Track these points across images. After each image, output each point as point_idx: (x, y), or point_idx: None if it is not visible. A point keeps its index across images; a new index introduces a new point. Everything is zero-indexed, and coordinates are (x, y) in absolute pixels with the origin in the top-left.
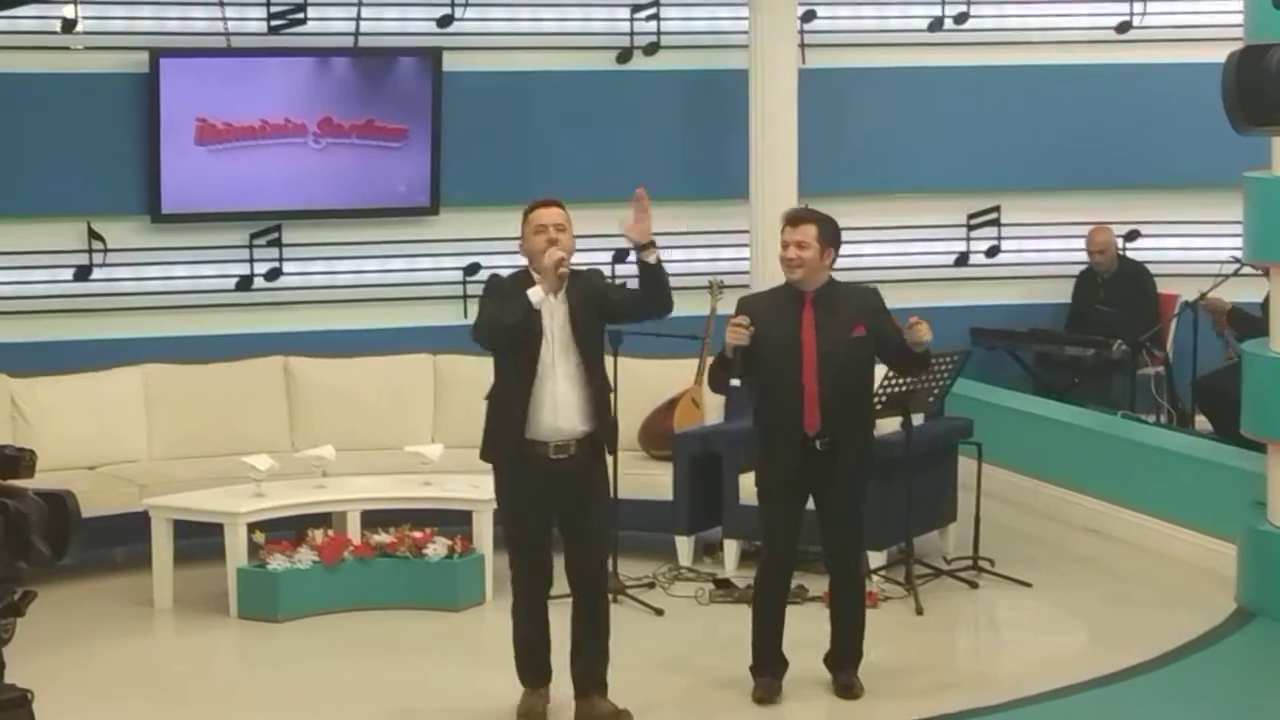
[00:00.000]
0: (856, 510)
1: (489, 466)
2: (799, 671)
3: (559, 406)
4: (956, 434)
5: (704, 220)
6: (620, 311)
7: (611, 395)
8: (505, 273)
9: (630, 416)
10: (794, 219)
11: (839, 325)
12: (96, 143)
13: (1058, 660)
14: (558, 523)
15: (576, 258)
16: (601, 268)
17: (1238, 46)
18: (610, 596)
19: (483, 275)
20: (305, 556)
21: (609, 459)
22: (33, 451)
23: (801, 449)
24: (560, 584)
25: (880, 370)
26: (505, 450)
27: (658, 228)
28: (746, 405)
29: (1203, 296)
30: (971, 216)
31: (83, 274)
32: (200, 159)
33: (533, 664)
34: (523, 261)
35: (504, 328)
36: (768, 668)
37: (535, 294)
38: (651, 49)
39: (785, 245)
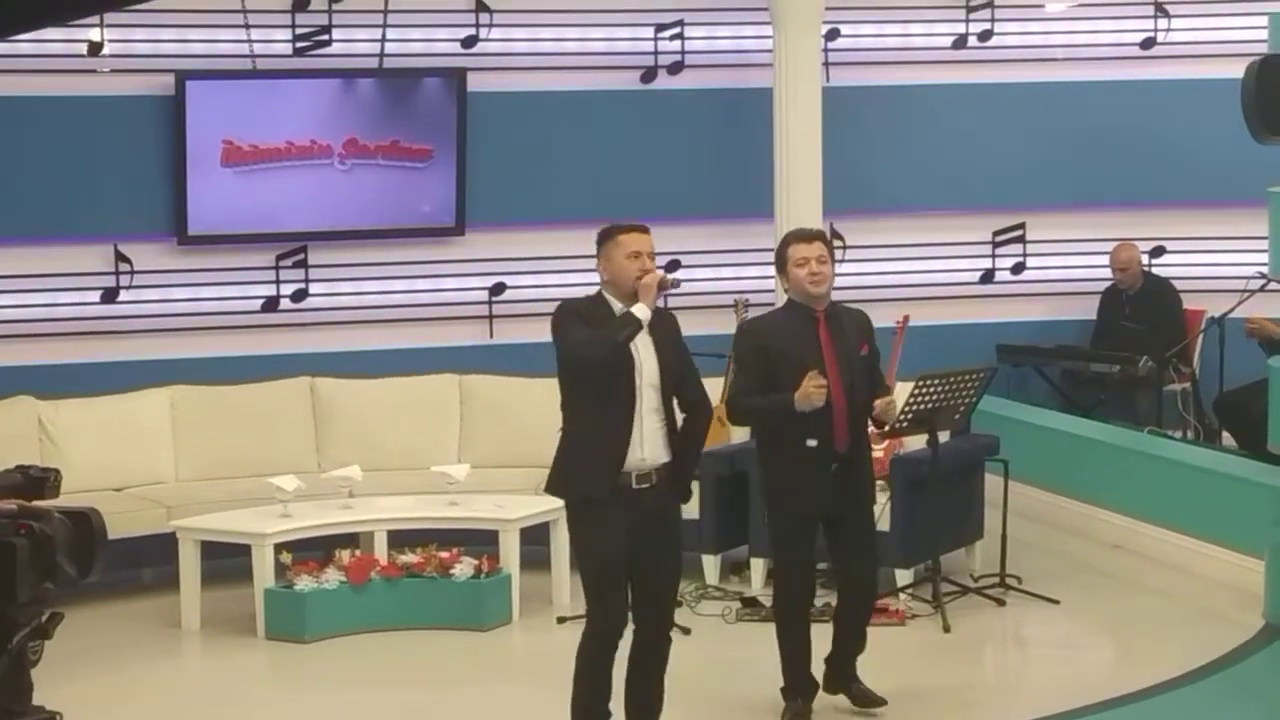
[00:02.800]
0: (873, 529)
1: (515, 485)
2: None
3: (645, 439)
4: (983, 451)
5: (728, 238)
6: (680, 390)
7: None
8: (574, 294)
9: None
10: (808, 237)
11: (850, 343)
12: (123, 165)
13: (1085, 677)
14: (635, 557)
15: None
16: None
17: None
18: None
19: (509, 295)
20: (332, 577)
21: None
22: (58, 471)
23: (833, 470)
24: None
25: (905, 387)
26: (598, 485)
27: (683, 246)
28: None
29: (1250, 321)
30: (997, 233)
31: (110, 296)
32: (226, 181)
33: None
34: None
35: (614, 346)
36: (799, 691)
37: (643, 311)
38: (676, 68)
39: (805, 261)
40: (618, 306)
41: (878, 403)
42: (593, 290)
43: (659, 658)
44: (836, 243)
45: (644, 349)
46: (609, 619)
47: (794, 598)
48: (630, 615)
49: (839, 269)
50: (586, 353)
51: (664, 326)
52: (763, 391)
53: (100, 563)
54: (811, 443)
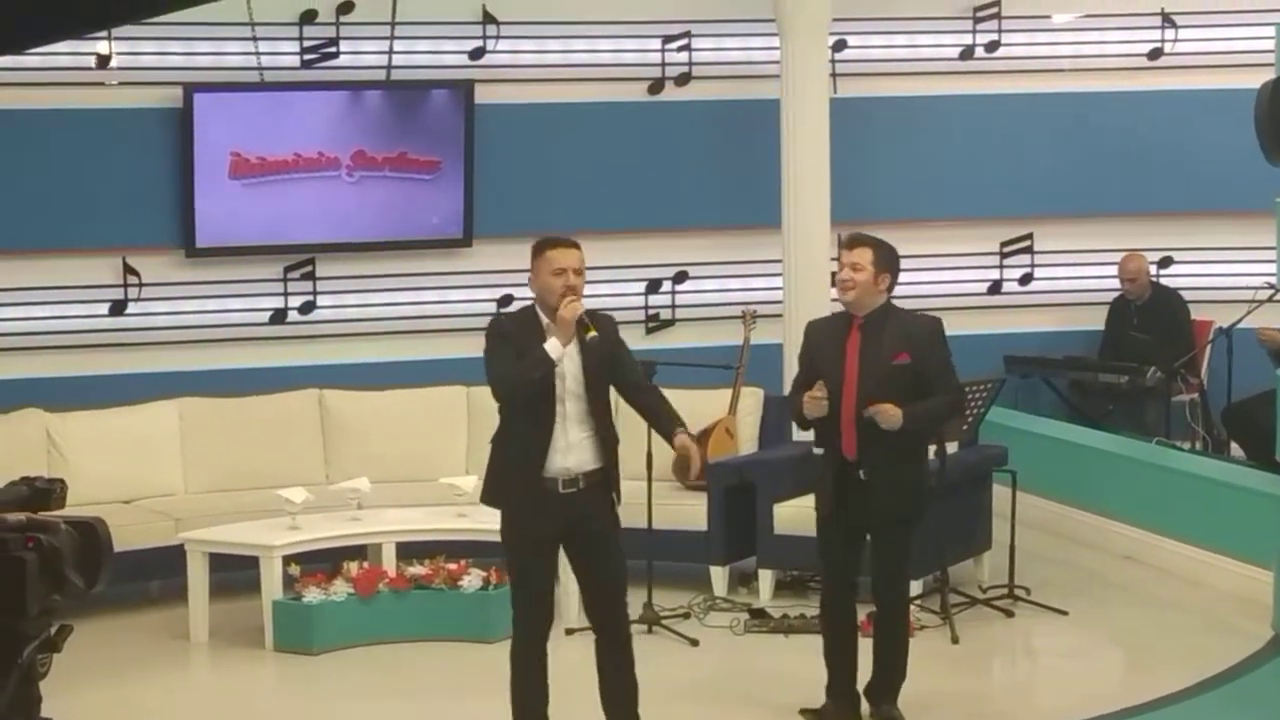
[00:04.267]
0: (897, 545)
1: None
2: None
3: (570, 447)
4: (991, 462)
5: (736, 249)
6: (623, 390)
7: (618, 445)
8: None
9: (664, 447)
10: (851, 242)
11: (882, 352)
12: (131, 178)
13: (1094, 688)
14: (572, 563)
15: (610, 289)
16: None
17: (1269, 74)
18: (646, 628)
19: (516, 306)
20: (340, 589)
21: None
22: (63, 482)
23: (843, 478)
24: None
25: None
26: (516, 491)
27: (691, 257)
28: (780, 435)
29: (1262, 333)
30: (1004, 244)
31: (118, 308)
32: (234, 193)
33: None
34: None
35: (526, 385)
36: (832, 694)
37: (554, 349)
38: (683, 79)
39: (840, 267)
40: (546, 321)
41: (871, 409)
42: (598, 302)
43: (624, 658)
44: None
45: (568, 360)
46: (527, 622)
47: (822, 600)
48: (590, 621)
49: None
50: (501, 389)
51: (599, 328)
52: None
53: (107, 573)
54: (818, 450)
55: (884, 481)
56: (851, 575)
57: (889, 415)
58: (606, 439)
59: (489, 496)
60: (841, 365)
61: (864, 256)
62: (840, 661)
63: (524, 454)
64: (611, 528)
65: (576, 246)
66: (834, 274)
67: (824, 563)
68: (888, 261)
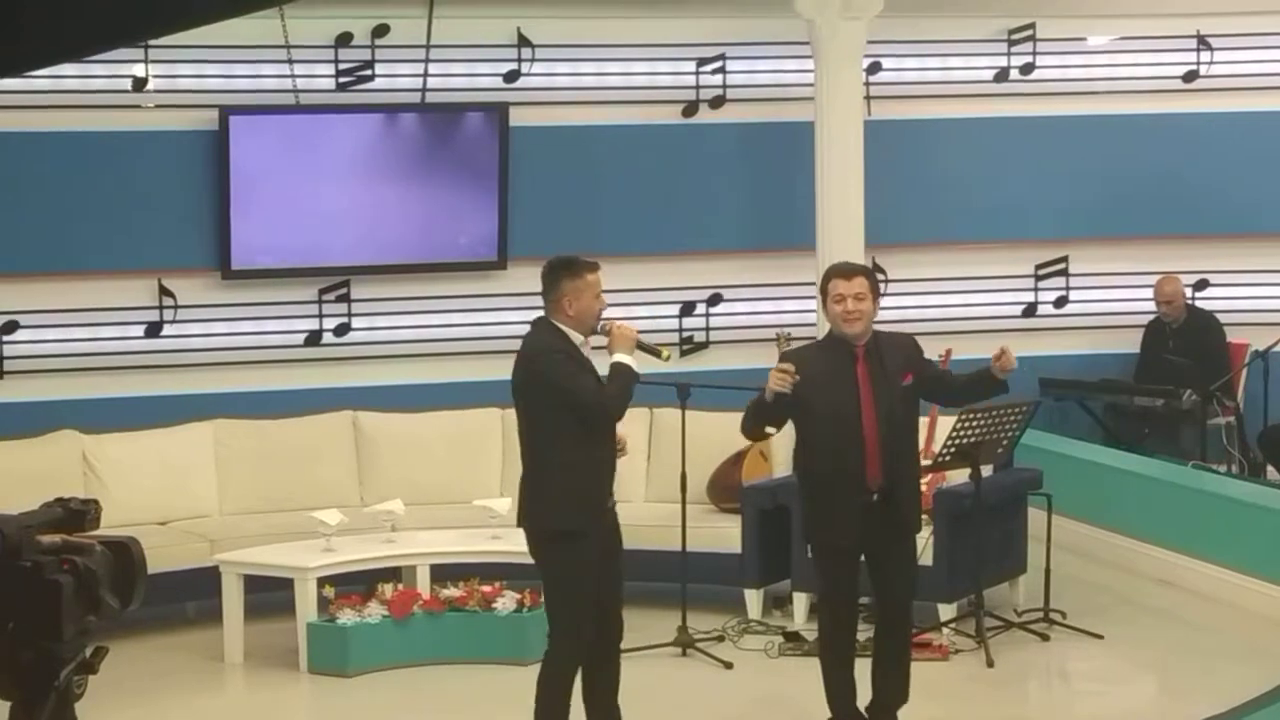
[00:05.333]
0: (913, 564)
1: None
2: None
3: (615, 467)
4: (1026, 485)
5: (770, 272)
6: None
7: None
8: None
9: (698, 469)
10: (847, 272)
11: (890, 376)
12: (167, 200)
13: (1129, 713)
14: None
15: (644, 311)
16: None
17: None
18: (680, 650)
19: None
20: (375, 611)
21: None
22: (97, 503)
23: (865, 506)
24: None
25: (946, 422)
26: (584, 518)
27: (725, 279)
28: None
29: None
30: (1039, 267)
31: (153, 330)
32: (269, 215)
33: None
34: None
35: (628, 401)
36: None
37: (634, 363)
38: (717, 102)
39: (842, 299)
40: (577, 338)
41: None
42: (633, 325)
43: (616, 666)
44: (879, 276)
45: None
46: (578, 650)
47: (832, 631)
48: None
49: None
50: (612, 409)
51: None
52: (774, 413)
53: (141, 592)
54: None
55: (904, 493)
56: (857, 598)
57: (1011, 357)
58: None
59: (546, 518)
60: (857, 395)
61: (864, 286)
62: (843, 690)
63: (596, 471)
64: (621, 543)
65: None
66: (821, 301)
67: (831, 592)
68: (877, 288)
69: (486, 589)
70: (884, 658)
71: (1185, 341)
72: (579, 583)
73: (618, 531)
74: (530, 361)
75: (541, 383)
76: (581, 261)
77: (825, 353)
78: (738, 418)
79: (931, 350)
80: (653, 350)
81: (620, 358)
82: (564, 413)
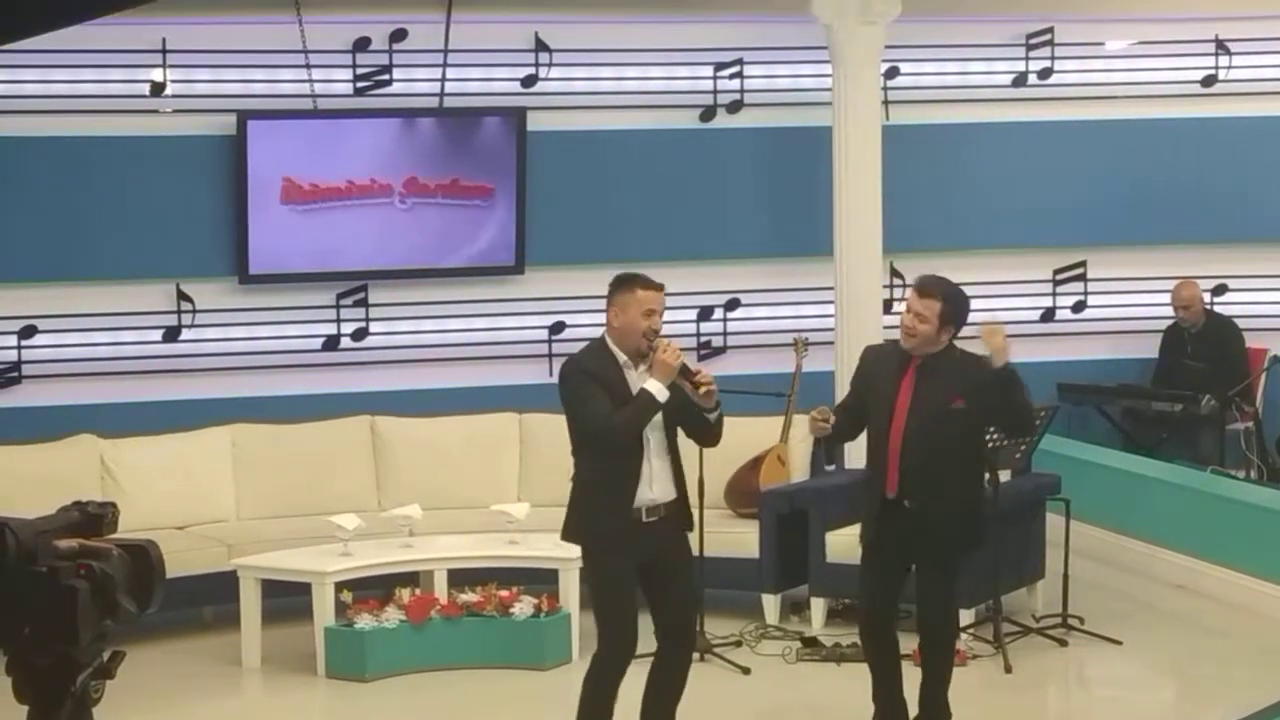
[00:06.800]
0: (942, 581)
1: None
2: None
3: (654, 478)
4: (1044, 490)
5: (788, 277)
6: (683, 416)
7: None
8: (580, 346)
9: (716, 474)
10: (922, 289)
11: (937, 395)
12: (184, 204)
13: (1147, 718)
14: (648, 592)
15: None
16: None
17: None
18: (698, 656)
19: (568, 334)
20: (392, 615)
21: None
22: (115, 506)
23: (885, 510)
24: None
25: None
26: (610, 529)
27: (743, 284)
28: (830, 464)
29: None
30: (1057, 272)
31: (171, 335)
32: (287, 220)
33: None
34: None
35: (639, 431)
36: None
37: (659, 391)
38: (735, 107)
39: (907, 311)
40: (621, 358)
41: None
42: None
43: (680, 675)
44: (896, 281)
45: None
46: (614, 654)
47: (861, 630)
48: (657, 638)
49: (898, 308)
50: (615, 438)
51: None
52: (850, 413)
53: (159, 596)
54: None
55: (936, 511)
56: (891, 606)
57: (999, 339)
58: (680, 468)
59: (572, 532)
60: (892, 403)
61: (930, 309)
62: (880, 690)
63: (615, 487)
64: (687, 556)
65: (663, 289)
66: (887, 302)
67: (862, 593)
68: (954, 317)
69: (504, 594)
70: (923, 672)
71: (1204, 347)
72: (610, 593)
73: (670, 540)
74: (560, 378)
75: (562, 400)
76: (638, 276)
77: (889, 355)
78: (756, 422)
79: None
80: (691, 381)
81: (652, 385)
82: (581, 436)
